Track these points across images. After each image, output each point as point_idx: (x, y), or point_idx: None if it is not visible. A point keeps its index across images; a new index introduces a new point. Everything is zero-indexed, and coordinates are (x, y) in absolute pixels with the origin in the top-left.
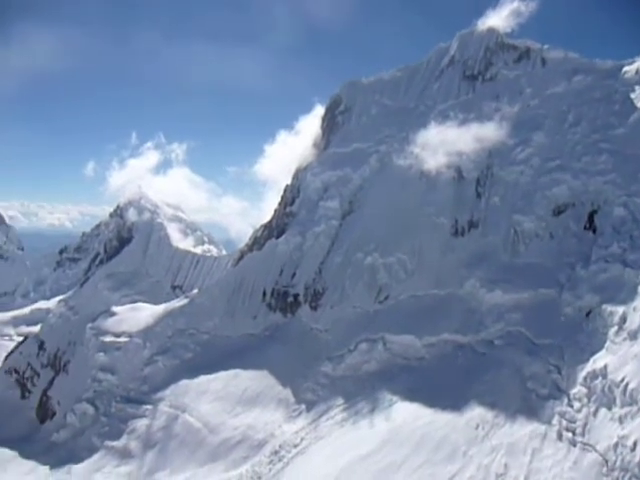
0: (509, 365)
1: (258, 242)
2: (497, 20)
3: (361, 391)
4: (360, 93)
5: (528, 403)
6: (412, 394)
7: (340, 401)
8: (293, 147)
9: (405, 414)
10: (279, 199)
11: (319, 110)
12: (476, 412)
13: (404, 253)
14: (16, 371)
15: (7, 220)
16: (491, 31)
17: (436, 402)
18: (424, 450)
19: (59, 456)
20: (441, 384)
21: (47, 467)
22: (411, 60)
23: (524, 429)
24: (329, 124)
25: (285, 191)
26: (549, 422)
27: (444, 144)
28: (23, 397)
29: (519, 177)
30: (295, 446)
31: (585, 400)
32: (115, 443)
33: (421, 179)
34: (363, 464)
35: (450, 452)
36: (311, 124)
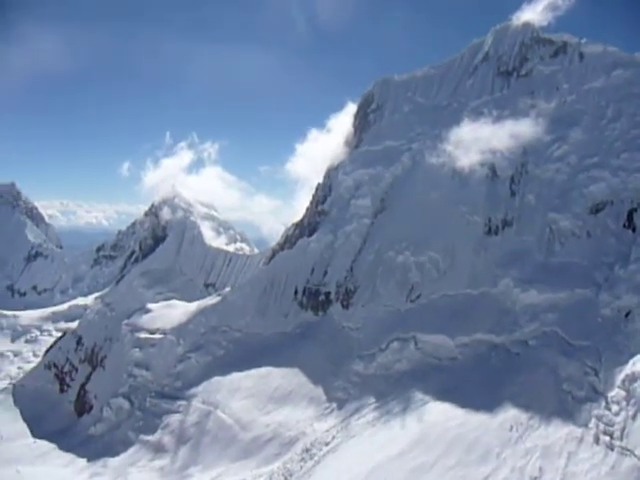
0: (544, 366)
1: (290, 240)
2: (533, 14)
3: (392, 390)
4: (392, 91)
5: (564, 405)
6: (444, 394)
7: (371, 400)
8: (325, 145)
9: (437, 414)
10: (311, 197)
11: (351, 108)
12: (510, 413)
13: (436, 252)
14: (55, 365)
15: (47, 219)
16: (527, 26)
17: (469, 403)
18: (456, 451)
19: (96, 449)
20: (474, 384)
21: (84, 460)
22: (444, 57)
23: (559, 432)
24: (361, 122)
25: (317, 189)
26: (586, 425)
27: (477, 141)
28: (62, 391)
29: (555, 175)
30: (326, 444)
31: (623, 403)
32: (149, 437)
33: (454, 177)
34: (394, 464)
35: (483, 454)
36: (343, 122)
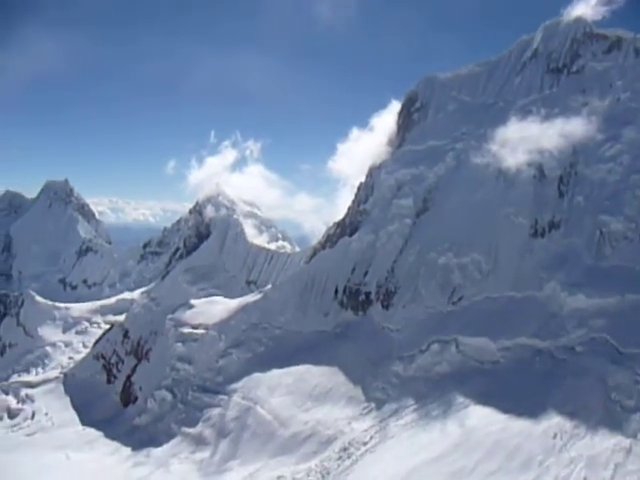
0: (591, 373)
1: (331, 240)
2: (585, 9)
3: (432, 393)
4: (437, 89)
5: (611, 415)
6: (486, 398)
7: (410, 402)
8: (367, 144)
9: (478, 418)
10: (352, 197)
11: (395, 107)
12: (554, 421)
13: (479, 253)
14: (103, 357)
15: (97, 215)
16: (579, 21)
17: (511, 408)
18: (497, 457)
19: (140, 439)
20: (517, 389)
21: (129, 449)
22: (491, 55)
23: (606, 442)
24: (404, 121)
25: (359, 189)
26: (634, 436)
27: (525, 141)
28: (109, 382)
29: (607, 175)
30: (364, 444)
31: None
32: (191, 430)
33: (499, 178)
34: (433, 466)
35: (525, 461)
36: (386, 121)
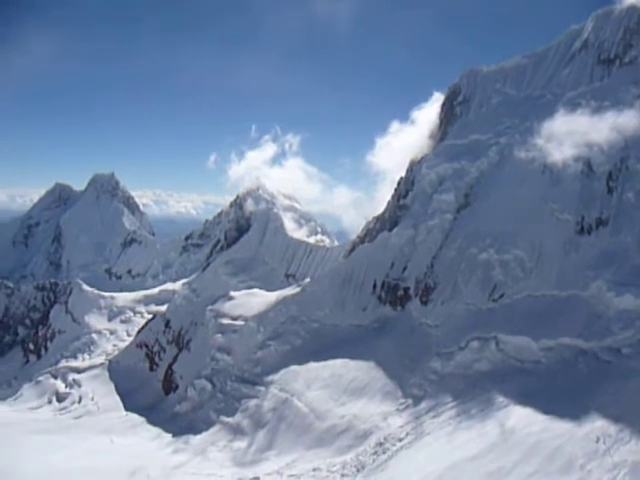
0: (638, 376)
1: (370, 234)
2: None
3: (471, 391)
4: (480, 82)
5: None
6: (526, 398)
7: (448, 399)
8: (407, 138)
9: (517, 419)
10: (392, 191)
11: (436, 100)
12: (597, 424)
13: (522, 250)
14: (146, 345)
15: (141, 207)
16: (632, 9)
17: (552, 409)
18: (537, 458)
19: (180, 426)
20: (558, 391)
21: (170, 435)
22: (538, 45)
23: None
24: (447, 115)
25: (399, 183)
26: None
27: (572, 135)
28: (151, 369)
29: None
30: (400, 440)
31: None
32: (229, 419)
33: (544, 172)
34: (470, 465)
35: (565, 464)
36: (427, 114)
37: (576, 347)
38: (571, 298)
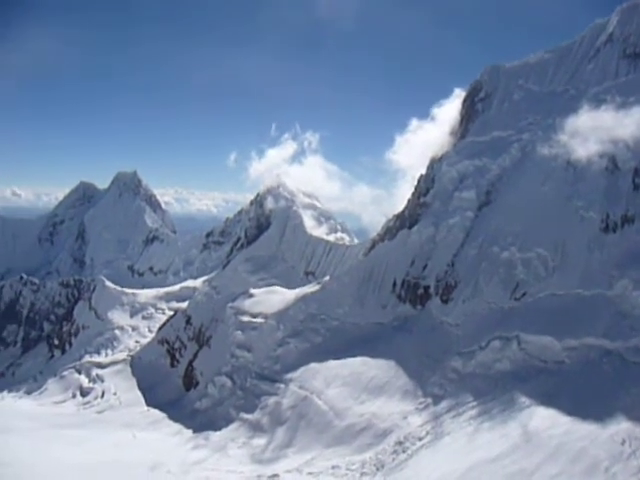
0: None
1: (390, 232)
2: None
3: (492, 390)
4: (502, 78)
5: None
6: (549, 399)
7: (469, 398)
8: (428, 135)
9: (540, 419)
10: (412, 189)
11: (457, 97)
12: (622, 426)
13: (545, 249)
14: (167, 342)
15: (163, 205)
16: None
17: (576, 410)
18: (560, 460)
19: (201, 422)
20: (582, 392)
21: (190, 431)
22: (562, 40)
23: None
24: (468, 111)
25: (419, 181)
26: None
27: (597, 131)
28: (172, 365)
29: None
30: (419, 439)
31: None
32: (249, 416)
33: (568, 169)
34: (491, 466)
35: (589, 466)
36: (448, 111)
37: (601, 347)
38: (596, 297)
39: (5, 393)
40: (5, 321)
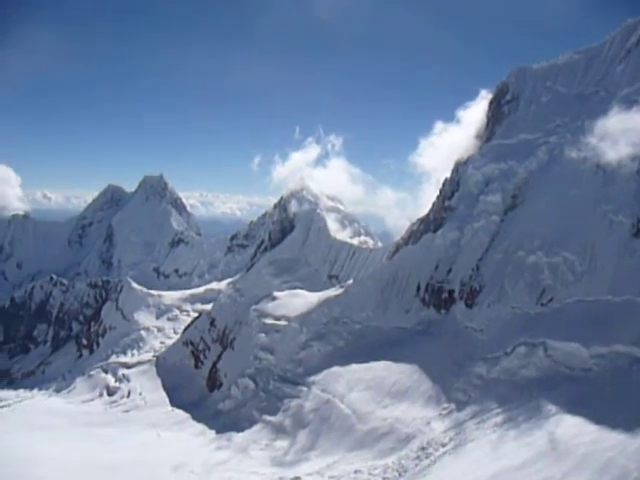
0: None
1: (414, 235)
2: None
3: (517, 397)
4: (530, 80)
5: None
6: (576, 407)
7: (493, 405)
8: (452, 138)
9: (567, 428)
10: (437, 192)
11: (483, 99)
12: None
13: (573, 253)
14: (191, 343)
15: (188, 208)
16: None
17: (604, 419)
18: (586, 470)
19: (224, 423)
20: (611, 400)
21: (214, 432)
22: (592, 41)
23: None
24: (494, 114)
25: (444, 184)
26: None
27: (627, 133)
28: (196, 367)
29: None
30: (443, 445)
31: None
32: (272, 418)
33: (597, 173)
34: (516, 474)
35: (617, 477)
36: (473, 114)
37: (630, 355)
38: (625, 304)
39: (35, 391)
40: (36, 321)
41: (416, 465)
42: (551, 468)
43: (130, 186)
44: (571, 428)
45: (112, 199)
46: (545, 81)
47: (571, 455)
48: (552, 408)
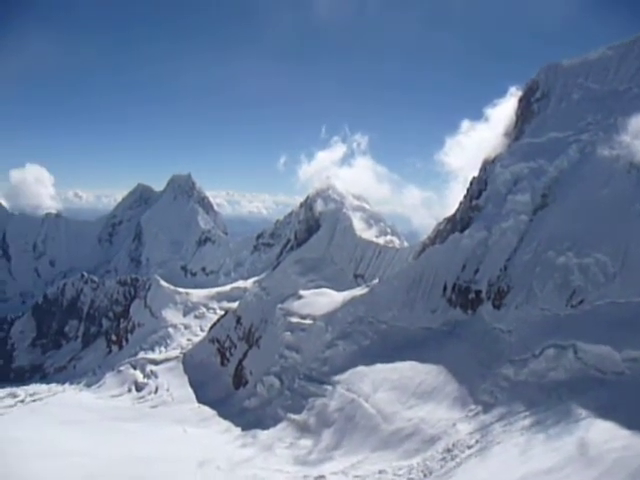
0: None
1: (441, 235)
2: None
3: (546, 400)
4: (560, 77)
5: None
6: (606, 412)
7: (521, 408)
8: (480, 136)
9: (597, 432)
10: (464, 191)
11: (513, 96)
12: None
13: (605, 254)
14: (218, 341)
15: (215, 207)
16: None
17: (636, 425)
18: (617, 476)
19: (249, 420)
20: None
21: (239, 429)
22: (625, 36)
23: None
24: (523, 112)
25: (471, 183)
26: None
27: None
28: (222, 364)
29: None
30: (469, 447)
31: None
32: (296, 417)
33: (630, 171)
34: (544, 479)
35: None
36: (502, 111)
37: None
38: None
39: (67, 385)
40: (67, 317)
41: (441, 467)
42: (580, 473)
43: (159, 185)
44: (602, 433)
45: (141, 198)
46: (576, 77)
47: (602, 461)
48: (582, 412)
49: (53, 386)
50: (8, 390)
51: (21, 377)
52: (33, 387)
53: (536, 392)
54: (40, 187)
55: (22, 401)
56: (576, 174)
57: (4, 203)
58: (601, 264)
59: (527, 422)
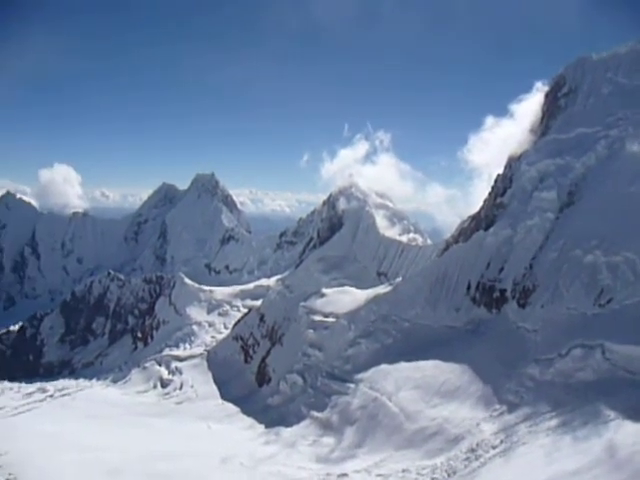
0: None
1: (465, 233)
2: None
3: (572, 401)
4: (588, 72)
5: None
6: (636, 413)
7: (546, 408)
8: (505, 132)
9: (626, 435)
10: (489, 189)
11: (539, 91)
12: None
13: (634, 253)
14: (241, 338)
15: (239, 205)
16: None
17: None
18: None
19: (272, 418)
20: None
21: (262, 426)
22: None
23: None
24: (550, 108)
25: (496, 181)
26: None
27: None
28: (246, 361)
29: None
30: (493, 447)
31: None
32: (319, 414)
33: None
34: None
35: None
36: (528, 107)
37: None
38: None
39: (94, 381)
40: (94, 314)
41: (465, 466)
42: (608, 476)
43: (183, 184)
44: (631, 435)
45: (166, 197)
46: (605, 72)
47: (630, 463)
48: (610, 414)
49: (81, 381)
50: (38, 385)
51: (50, 372)
52: (62, 382)
53: (562, 392)
54: (68, 186)
55: (51, 396)
56: (604, 171)
57: (34, 202)
58: (630, 262)
59: (553, 423)
